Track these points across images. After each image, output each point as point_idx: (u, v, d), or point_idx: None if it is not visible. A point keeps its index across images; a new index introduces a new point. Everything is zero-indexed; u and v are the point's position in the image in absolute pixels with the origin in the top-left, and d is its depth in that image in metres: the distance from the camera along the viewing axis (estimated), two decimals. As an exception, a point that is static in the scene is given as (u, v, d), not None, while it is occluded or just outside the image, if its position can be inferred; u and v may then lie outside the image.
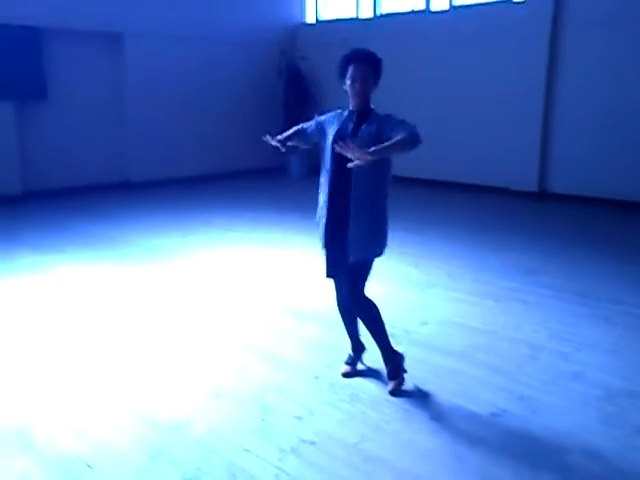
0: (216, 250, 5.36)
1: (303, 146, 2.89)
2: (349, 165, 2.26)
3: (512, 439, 2.37)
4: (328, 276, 2.79)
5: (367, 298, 2.73)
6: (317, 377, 2.91)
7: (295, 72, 9.62)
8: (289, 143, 2.77)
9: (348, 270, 2.67)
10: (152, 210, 7.11)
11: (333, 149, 2.55)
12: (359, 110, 2.63)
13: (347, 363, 3.00)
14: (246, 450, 2.30)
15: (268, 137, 2.69)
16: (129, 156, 8.60)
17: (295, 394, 2.74)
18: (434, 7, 8.56)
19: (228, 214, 6.92)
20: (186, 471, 2.19)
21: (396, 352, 2.82)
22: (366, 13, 9.38)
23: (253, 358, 3.15)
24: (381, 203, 2.65)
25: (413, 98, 8.63)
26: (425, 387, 2.80)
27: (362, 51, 2.60)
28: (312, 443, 2.34)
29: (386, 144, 2.33)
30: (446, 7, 8.41)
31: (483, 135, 8.19)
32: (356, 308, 2.77)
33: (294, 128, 2.85)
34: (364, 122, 2.59)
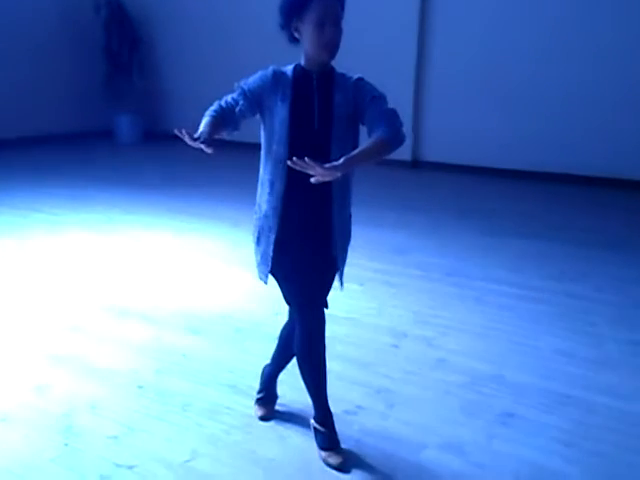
0: (14, 236, 5.04)
1: (233, 132, 2.22)
2: (312, 181, 1.88)
3: (366, 438, 2.51)
4: (313, 305, 2.36)
5: None
6: (141, 387, 2.87)
7: (117, 9, 9.25)
8: (217, 136, 2.09)
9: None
10: None
11: (290, 132, 2.14)
12: (321, 70, 2.17)
13: (263, 403, 2.71)
14: (42, 485, 2.21)
15: (185, 134, 1.92)
16: None
17: (111, 410, 2.68)
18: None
19: (31, 191, 6.55)
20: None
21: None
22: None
23: (58, 370, 3.02)
24: (350, 200, 2.34)
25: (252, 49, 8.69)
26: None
27: None
28: (129, 467, 2.31)
29: (362, 151, 1.99)
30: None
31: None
32: (323, 342, 2.40)
33: (212, 112, 2.17)
34: (332, 89, 2.17)
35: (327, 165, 1.86)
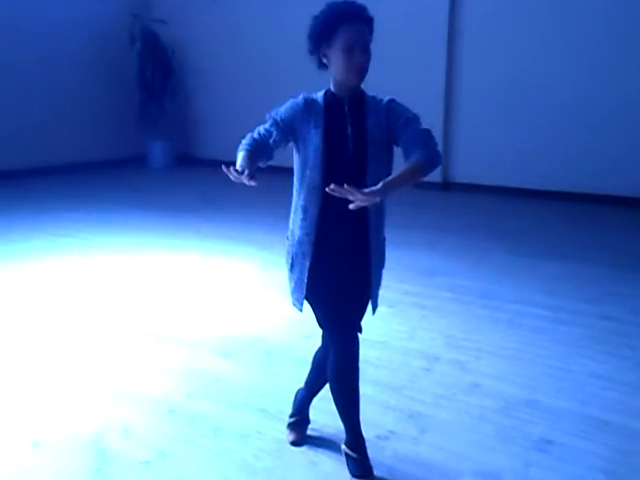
0: (46, 261, 5.10)
1: (267, 162, 2.19)
2: (351, 207, 1.88)
3: (399, 464, 2.45)
4: (348, 330, 2.31)
5: None
6: (173, 411, 2.86)
7: (152, 40, 9.43)
8: (256, 165, 2.08)
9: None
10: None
11: (325, 159, 2.12)
12: (352, 95, 2.16)
13: (295, 428, 2.66)
14: (75, 510, 2.21)
15: (231, 170, 1.91)
16: None
17: (143, 434, 2.67)
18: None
19: (64, 216, 6.65)
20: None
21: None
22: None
23: (90, 394, 3.02)
24: (384, 223, 2.31)
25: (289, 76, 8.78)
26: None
27: (356, 5, 2.06)
28: (161, 492, 2.29)
29: (400, 175, 1.98)
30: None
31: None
32: (356, 366, 2.34)
33: (246, 146, 2.13)
34: (364, 113, 2.16)
35: (366, 190, 1.84)
